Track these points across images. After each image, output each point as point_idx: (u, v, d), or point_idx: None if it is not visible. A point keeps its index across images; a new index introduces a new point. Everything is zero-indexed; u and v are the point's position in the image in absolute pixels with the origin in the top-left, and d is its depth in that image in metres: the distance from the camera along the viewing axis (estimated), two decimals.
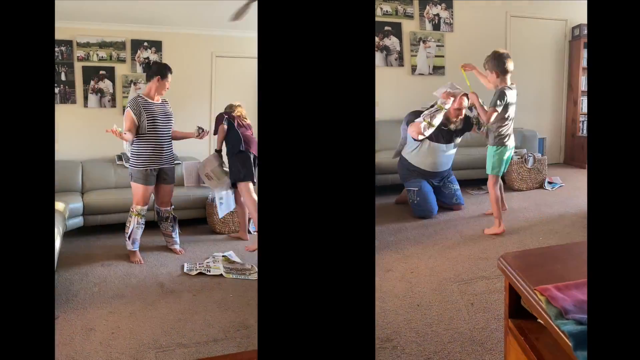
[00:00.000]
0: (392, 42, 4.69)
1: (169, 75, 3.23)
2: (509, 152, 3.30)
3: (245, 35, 4.85)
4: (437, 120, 3.49)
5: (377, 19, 4.62)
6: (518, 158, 4.36)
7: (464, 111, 3.63)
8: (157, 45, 4.65)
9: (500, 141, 3.24)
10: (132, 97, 3.26)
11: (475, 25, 4.90)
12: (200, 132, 3.32)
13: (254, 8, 3.38)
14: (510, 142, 3.28)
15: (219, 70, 4.86)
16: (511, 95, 3.15)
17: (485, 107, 3.25)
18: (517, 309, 1.37)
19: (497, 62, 3.11)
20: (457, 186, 3.84)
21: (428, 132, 3.52)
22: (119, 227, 3.49)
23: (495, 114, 3.14)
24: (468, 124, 3.76)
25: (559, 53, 5.43)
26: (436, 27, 4.81)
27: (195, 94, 4.69)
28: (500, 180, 3.36)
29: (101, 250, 3.49)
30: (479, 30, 4.88)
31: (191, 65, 4.77)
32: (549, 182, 4.46)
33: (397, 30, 4.70)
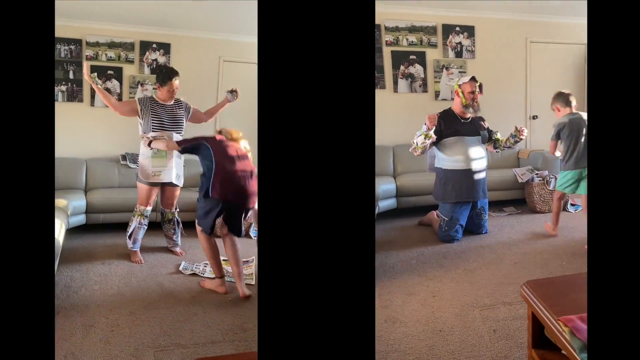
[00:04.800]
0: (416, 69, 4.92)
1: (169, 82, 3.17)
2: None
3: (253, 41, 4.87)
4: (421, 140, 3.44)
5: (402, 49, 4.88)
6: (540, 180, 4.33)
7: (479, 96, 3.59)
8: (165, 48, 4.69)
9: (573, 165, 3.41)
10: (145, 95, 3.28)
11: (496, 52, 5.06)
12: (233, 95, 3.16)
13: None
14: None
15: (226, 75, 4.90)
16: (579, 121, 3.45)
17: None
18: (541, 339, 1.34)
19: (563, 100, 3.49)
20: (486, 216, 3.76)
21: (419, 151, 3.50)
22: (121, 227, 3.52)
23: (553, 146, 3.51)
24: (488, 131, 3.73)
25: (579, 77, 5.42)
26: (458, 54, 5.01)
27: (201, 98, 4.68)
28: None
29: (102, 248, 3.51)
30: (500, 56, 5.05)
31: (199, 68, 4.80)
32: (572, 204, 4.35)
33: (421, 59, 4.93)
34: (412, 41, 4.88)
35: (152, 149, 3.10)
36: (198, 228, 2.84)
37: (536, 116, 5.25)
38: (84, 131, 4.50)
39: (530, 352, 1.36)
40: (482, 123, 3.73)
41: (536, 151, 4.74)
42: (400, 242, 3.60)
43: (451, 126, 3.56)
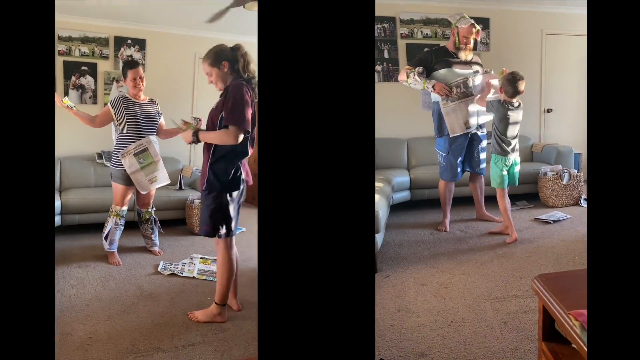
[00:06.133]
0: None
1: (130, 72, 3.13)
2: (511, 168, 3.43)
3: (228, 39, 4.81)
4: (412, 80, 3.50)
5: (417, 41, 4.84)
6: (553, 174, 4.29)
7: (472, 40, 3.60)
8: (140, 44, 4.60)
9: (498, 150, 3.40)
10: (116, 95, 3.24)
11: (511, 44, 4.99)
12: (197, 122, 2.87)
13: (232, 12, 3.36)
14: (512, 157, 3.41)
15: (200, 72, 4.81)
16: (514, 115, 3.35)
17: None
18: (551, 332, 1.36)
19: (509, 83, 3.30)
20: (484, 155, 3.78)
21: (410, 80, 3.52)
22: (98, 227, 3.46)
23: (484, 105, 3.47)
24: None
25: None
26: (472, 47, 4.91)
27: (176, 95, 4.63)
28: (506, 196, 3.47)
29: (79, 250, 3.46)
30: (514, 49, 4.97)
31: (174, 65, 4.74)
32: (585, 199, 4.29)
33: None
34: (427, 34, 4.83)
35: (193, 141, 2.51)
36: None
37: (550, 109, 5.16)
38: (58, 129, 4.30)
39: (541, 345, 1.38)
40: (478, 62, 3.73)
41: (550, 145, 4.71)
42: (413, 234, 3.66)
43: (442, 59, 3.58)
